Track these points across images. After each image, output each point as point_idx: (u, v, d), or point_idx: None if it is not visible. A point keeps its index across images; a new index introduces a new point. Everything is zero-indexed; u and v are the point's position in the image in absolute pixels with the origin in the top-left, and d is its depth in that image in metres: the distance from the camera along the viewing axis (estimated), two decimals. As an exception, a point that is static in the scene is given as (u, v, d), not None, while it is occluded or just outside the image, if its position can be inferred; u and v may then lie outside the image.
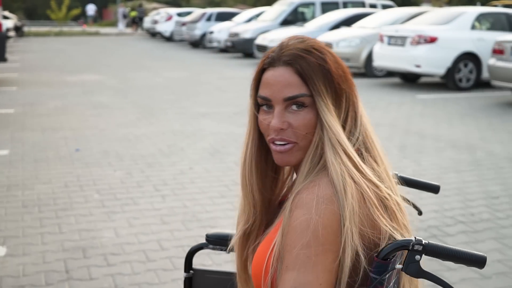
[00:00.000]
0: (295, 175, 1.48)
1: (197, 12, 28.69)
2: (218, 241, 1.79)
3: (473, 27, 12.36)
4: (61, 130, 8.01)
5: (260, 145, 1.45)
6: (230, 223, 4.54)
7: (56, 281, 3.57)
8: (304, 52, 1.35)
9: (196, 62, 19.01)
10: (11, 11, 39.47)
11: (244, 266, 1.52)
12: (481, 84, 12.33)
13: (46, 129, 8.07)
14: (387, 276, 1.27)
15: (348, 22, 16.92)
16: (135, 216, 4.73)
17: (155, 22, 33.92)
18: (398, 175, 1.65)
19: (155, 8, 45.94)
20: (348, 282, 1.26)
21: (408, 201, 1.64)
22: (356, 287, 1.28)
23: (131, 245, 4.12)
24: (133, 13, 43.50)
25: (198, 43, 25.84)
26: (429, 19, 13.02)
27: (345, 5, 20.30)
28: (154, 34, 35.18)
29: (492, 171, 6.05)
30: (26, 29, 37.90)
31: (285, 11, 20.29)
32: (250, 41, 19.55)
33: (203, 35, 25.25)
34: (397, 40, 12.48)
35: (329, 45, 13.93)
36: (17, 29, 33.40)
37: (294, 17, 20.22)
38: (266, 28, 19.66)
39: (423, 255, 1.25)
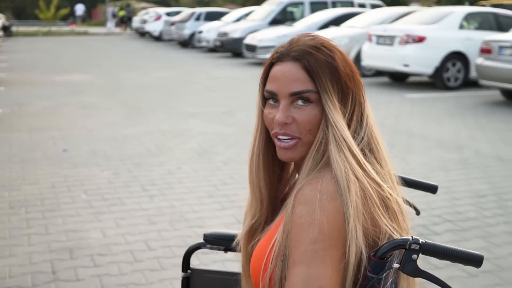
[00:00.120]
0: (297, 175, 1.49)
1: (186, 11, 28.65)
2: (216, 241, 1.78)
3: (461, 27, 12.41)
4: (49, 131, 7.98)
5: (268, 141, 1.45)
6: (218, 223, 4.53)
7: (42, 283, 3.55)
8: (313, 49, 1.35)
9: (185, 61, 18.98)
10: (-1, 11, 39.27)
11: (249, 261, 1.52)
12: (469, 83, 12.37)
13: (33, 130, 8.03)
14: (384, 275, 1.27)
15: (337, 21, 16.95)
16: (123, 216, 4.71)
17: (144, 21, 33.84)
18: (397, 175, 1.66)
19: (144, 8, 45.82)
20: (353, 280, 1.26)
21: (409, 202, 1.64)
22: (359, 284, 1.28)
23: (118, 246, 4.11)
24: (122, 13, 43.38)
25: (187, 43, 25.81)
26: (417, 18, 13.06)
27: (334, 5, 20.35)
28: (143, 34, 35.10)
29: (479, 170, 6.08)
30: (14, 29, 37.66)
31: (274, 10, 20.30)
32: (239, 40, 19.53)
33: (192, 35, 25.22)
34: (386, 40, 12.51)
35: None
36: (5, 29, 33.22)
37: (283, 17, 20.23)
38: (255, 27, 19.65)
39: (420, 254, 1.24)
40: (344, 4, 20.53)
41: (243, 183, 5.58)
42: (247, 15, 23.02)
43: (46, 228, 4.43)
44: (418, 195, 4.92)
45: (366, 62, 13.24)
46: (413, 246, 1.24)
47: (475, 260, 1.25)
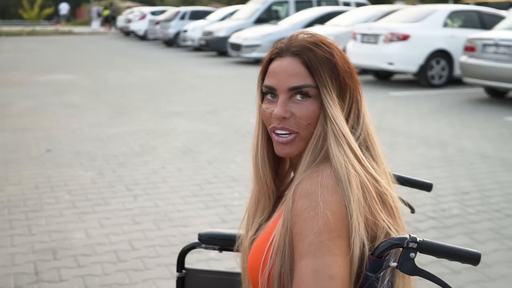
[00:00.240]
0: (292, 173, 1.49)
1: (171, 10, 28.59)
2: (210, 240, 1.77)
3: (445, 25, 12.47)
4: (32, 131, 7.92)
5: (269, 136, 1.45)
6: (202, 222, 4.52)
7: (25, 284, 3.52)
8: (313, 45, 1.36)
9: (170, 61, 18.93)
10: (-18, 11, 38.94)
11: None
12: (453, 81, 12.45)
13: (17, 130, 7.97)
14: (381, 274, 1.27)
15: (322, 20, 17.00)
16: (107, 216, 4.68)
17: (129, 21, 33.74)
18: (392, 173, 1.66)
19: (128, 7, 45.68)
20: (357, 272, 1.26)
21: (403, 200, 1.65)
22: (362, 276, 1.28)
23: (102, 246, 4.09)
24: (106, 12, 43.18)
25: (172, 42, 25.76)
26: (401, 17, 13.11)
27: (319, 3, 20.40)
28: (128, 33, 34.99)
29: (463, 167, 6.11)
30: (-3, 28, 37.44)
31: (259, 9, 20.32)
32: (224, 39, 19.52)
33: (177, 34, 25.18)
34: (370, 38, 12.55)
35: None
36: (-12, 29, 32.98)
37: (268, 15, 20.24)
38: (240, 26, 19.65)
39: (418, 252, 1.24)
40: (329, 3, 20.59)
41: (227, 182, 5.58)
42: (232, 14, 23.01)
43: (29, 228, 4.40)
44: (402, 192, 4.94)
45: (351, 60, 13.23)
46: (410, 245, 1.23)
47: (472, 258, 1.25)
